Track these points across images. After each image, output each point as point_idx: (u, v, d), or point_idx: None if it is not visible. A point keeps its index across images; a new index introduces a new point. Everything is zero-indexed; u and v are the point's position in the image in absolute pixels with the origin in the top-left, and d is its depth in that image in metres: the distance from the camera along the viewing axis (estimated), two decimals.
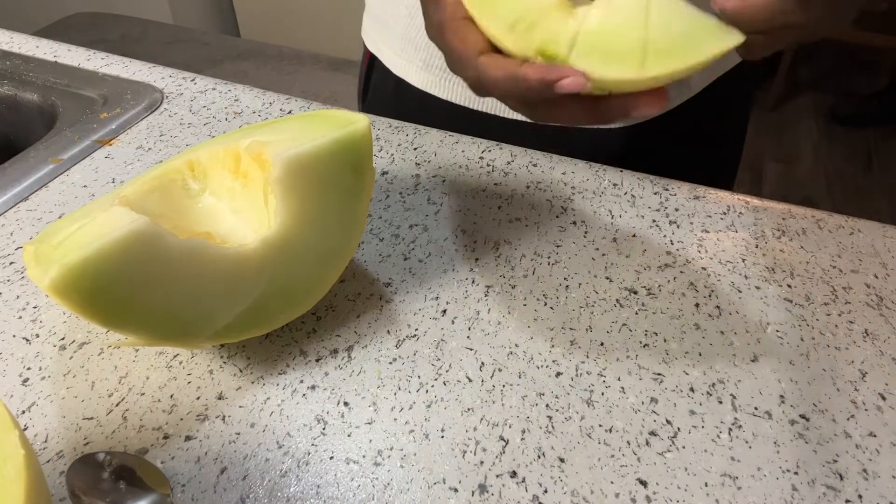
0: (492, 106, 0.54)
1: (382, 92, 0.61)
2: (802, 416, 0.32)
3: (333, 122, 0.35)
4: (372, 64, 0.60)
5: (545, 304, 0.38)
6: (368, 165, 0.35)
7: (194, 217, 0.36)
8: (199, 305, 0.30)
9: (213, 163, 0.36)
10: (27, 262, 0.29)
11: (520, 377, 0.34)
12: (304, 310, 0.34)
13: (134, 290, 0.28)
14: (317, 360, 0.35)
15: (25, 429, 0.31)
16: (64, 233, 0.30)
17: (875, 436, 0.31)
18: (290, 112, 0.54)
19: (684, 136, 0.56)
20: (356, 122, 0.34)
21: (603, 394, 0.33)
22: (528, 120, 0.37)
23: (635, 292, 0.39)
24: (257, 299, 0.32)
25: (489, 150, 0.50)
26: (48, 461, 0.30)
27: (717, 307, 0.38)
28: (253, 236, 0.34)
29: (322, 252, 0.34)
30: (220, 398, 0.33)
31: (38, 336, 0.36)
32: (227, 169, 0.36)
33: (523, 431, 0.31)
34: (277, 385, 0.33)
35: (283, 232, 0.32)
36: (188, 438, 0.31)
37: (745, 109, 0.62)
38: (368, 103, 0.64)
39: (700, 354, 0.35)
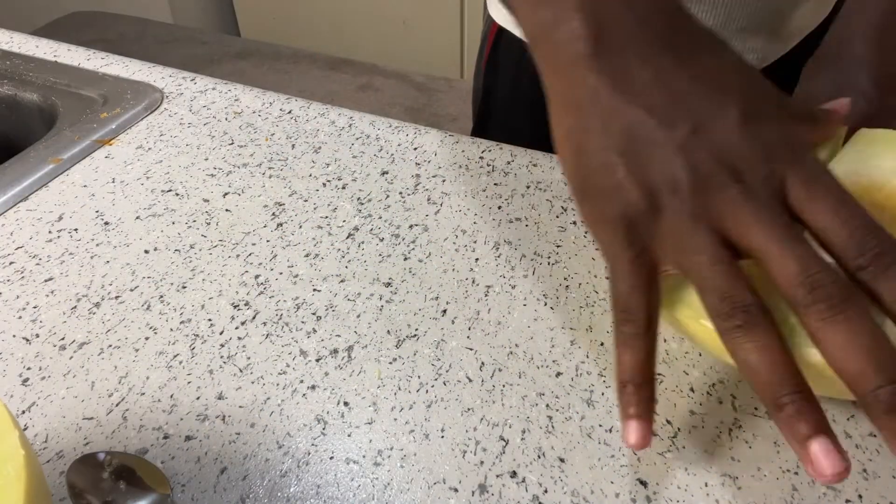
0: None
1: (507, 66, 0.63)
2: None
3: None
4: (499, 38, 0.61)
5: (545, 304, 0.38)
6: None
7: None
8: None
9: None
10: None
11: (520, 377, 0.34)
12: None
13: None
14: (317, 360, 0.35)
15: (25, 429, 0.31)
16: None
17: (875, 436, 0.31)
18: (290, 112, 0.54)
19: None
20: None
21: (603, 394, 0.33)
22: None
23: None
24: None
25: (489, 150, 0.50)
26: (48, 461, 0.30)
27: None
28: None
29: None
30: (220, 398, 0.33)
31: (38, 336, 0.36)
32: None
33: (523, 431, 0.31)
34: (277, 385, 0.33)
35: None
36: (188, 438, 0.31)
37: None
38: (493, 76, 0.65)
39: (700, 354, 0.35)
